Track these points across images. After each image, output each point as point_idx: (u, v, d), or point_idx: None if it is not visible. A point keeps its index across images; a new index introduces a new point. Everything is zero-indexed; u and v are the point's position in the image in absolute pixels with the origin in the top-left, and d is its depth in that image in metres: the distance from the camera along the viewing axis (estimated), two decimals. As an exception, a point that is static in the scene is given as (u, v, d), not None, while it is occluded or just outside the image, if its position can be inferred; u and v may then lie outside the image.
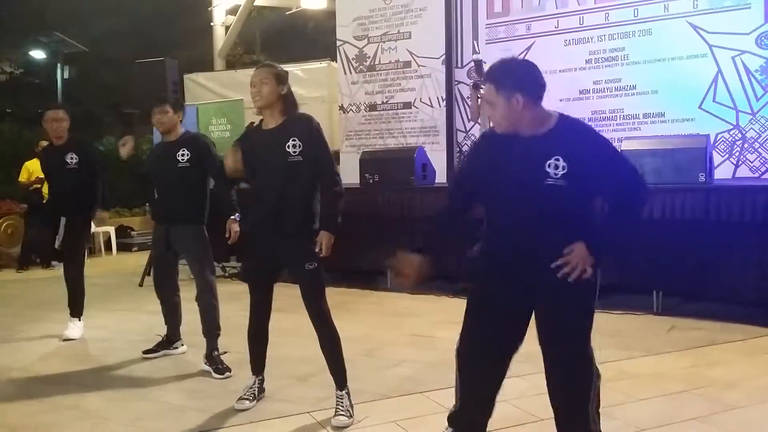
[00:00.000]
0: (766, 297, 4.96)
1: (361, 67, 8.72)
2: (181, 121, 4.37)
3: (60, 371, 4.24)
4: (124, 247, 10.81)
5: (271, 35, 17.84)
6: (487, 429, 2.70)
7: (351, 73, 8.75)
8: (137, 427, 3.32)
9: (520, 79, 2.44)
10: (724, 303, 5.25)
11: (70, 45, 10.74)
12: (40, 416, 3.46)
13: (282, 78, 3.35)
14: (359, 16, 8.68)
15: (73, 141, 5.05)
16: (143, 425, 3.34)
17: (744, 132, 6.50)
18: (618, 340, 4.62)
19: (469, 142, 7.82)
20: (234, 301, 4.65)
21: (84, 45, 11.22)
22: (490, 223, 2.60)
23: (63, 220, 4.93)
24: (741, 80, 6.50)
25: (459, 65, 8.10)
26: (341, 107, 8.93)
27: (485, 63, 6.21)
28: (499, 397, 2.65)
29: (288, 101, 3.38)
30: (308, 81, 9.69)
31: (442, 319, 5.20)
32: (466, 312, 2.64)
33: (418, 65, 8.27)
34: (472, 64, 7.35)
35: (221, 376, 3.99)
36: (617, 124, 7.09)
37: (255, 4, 11.46)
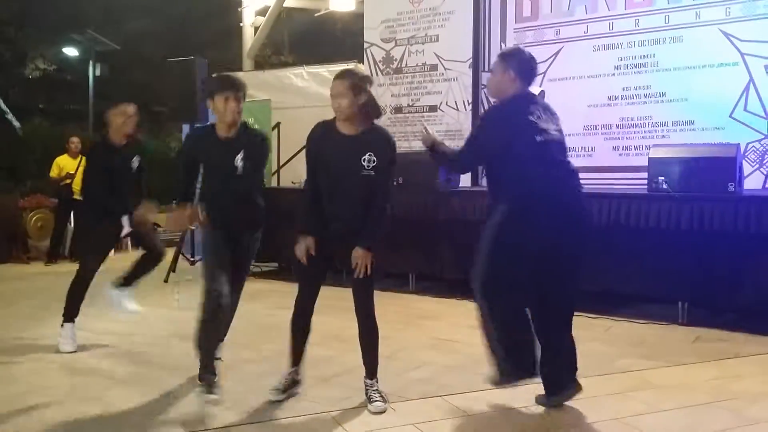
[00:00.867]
0: (795, 310, 4.88)
1: (387, 69, 8.73)
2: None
3: (87, 366, 4.32)
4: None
5: (299, 36, 17.97)
6: None
7: (378, 75, 8.76)
8: (157, 420, 3.37)
9: None
10: (751, 315, 5.17)
11: (102, 43, 10.89)
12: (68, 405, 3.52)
13: (358, 88, 3.37)
14: (387, 18, 8.69)
15: (135, 143, 4.82)
16: (166, 418, 3.39)
17: (775, 142, 6.40)
18: (642, 349, 4.55)
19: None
20: (255, 301, 4.65)
21: (116, 44, 11.39)
22: None
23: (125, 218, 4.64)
24: (773, 89, 6.39)
25: (486, 69, 8.06)
26: (367, 109, 8.93)
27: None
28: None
29: (367, 111, 3.42)
30: (335, 82, 9.71)
31: (463, 322, 5.18)
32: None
33: (445, 68, 8.26)
34: None
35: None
36: (645, 132, 7.00)
37: (284, 5, 11.54)
